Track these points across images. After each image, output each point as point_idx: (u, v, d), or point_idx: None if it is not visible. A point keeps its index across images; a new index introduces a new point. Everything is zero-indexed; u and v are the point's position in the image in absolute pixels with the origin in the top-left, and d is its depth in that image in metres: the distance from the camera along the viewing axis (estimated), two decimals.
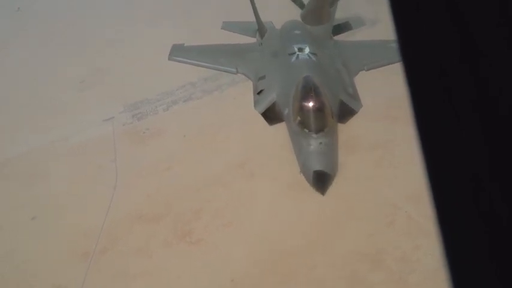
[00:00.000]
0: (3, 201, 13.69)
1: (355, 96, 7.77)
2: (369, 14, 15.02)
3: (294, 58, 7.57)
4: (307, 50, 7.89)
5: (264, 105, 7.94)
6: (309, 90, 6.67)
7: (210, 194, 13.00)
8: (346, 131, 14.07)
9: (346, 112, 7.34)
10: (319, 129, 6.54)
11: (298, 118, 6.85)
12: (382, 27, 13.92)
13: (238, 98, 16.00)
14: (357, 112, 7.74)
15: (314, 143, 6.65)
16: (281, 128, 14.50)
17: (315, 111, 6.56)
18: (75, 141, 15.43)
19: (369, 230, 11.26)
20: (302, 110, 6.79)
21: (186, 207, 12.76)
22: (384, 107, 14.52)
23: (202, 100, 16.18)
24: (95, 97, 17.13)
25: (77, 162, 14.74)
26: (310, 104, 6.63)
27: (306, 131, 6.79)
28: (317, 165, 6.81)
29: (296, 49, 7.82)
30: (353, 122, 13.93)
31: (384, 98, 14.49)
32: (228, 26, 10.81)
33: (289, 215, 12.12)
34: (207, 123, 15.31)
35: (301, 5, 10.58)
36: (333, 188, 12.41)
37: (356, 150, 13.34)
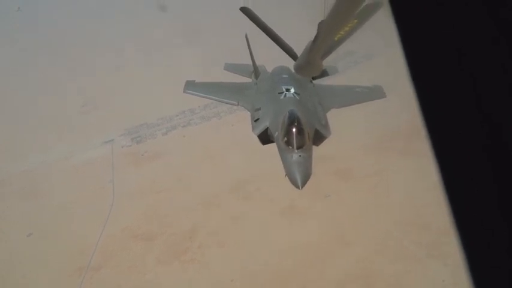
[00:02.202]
0: (1, 217, 13.84)
1: (326, 126, 9.53)
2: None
3: (282, 96, 9.87)
4: (292, 90, 9.83)
5: (259, 129, 9.48)
6: (293, 120, 8.59)
7: (204, 215, 13.24)
8: (340, 160, 14.50)
9: (319, 137, 9.14)
10: (299, 146, 8.35)
11: (285, 139, 8.53)
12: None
13: (236, 125, 16.48)
14: (326, 138, 9.24)
15: (295, 155, 8.34)
16: (275, 155, 14.86)
17: (297, 134, 8.48)
18: (75, 161, 15.71)
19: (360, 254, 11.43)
20: (288, 133, 8.56)
21: (181, 227, 12.95)
22: (377, 140, 15.07)
23: (201, 125, 16.60)
24: (95, 120, 17.51)
25: (75, 181, 14.97)
26: (294, 130, 8.45)
27: (290, 147, 8.45)
28: (296, 170, 8.25)
29: (284, 89, 9.99)
30: (347, 152, 14.40)
31: (377, 132, 15.10)
32: (229, 67, 12.84)
33: (282, 237, 12.33)
34: (205, 148, 15.67)
35: (294, 56, 11.68)
36: (325, 213, 12.74)
37: (350, 178, 13.76)
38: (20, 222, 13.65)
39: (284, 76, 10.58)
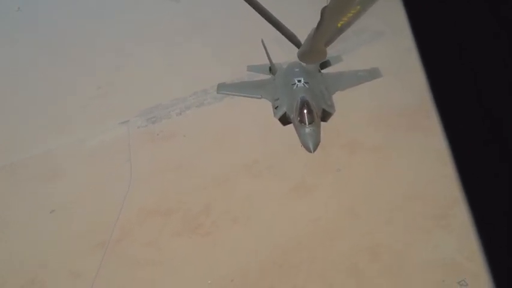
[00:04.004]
0: (24, 196, 14.49)
1: (332, 106, 11.99)
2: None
3: (295, 86, 12.38)
4: (302, 81, 12.24)
5: (279, 114, 12.10)
6: (303, 103, 11.03)
7: (218, 192, 13.72)
8: (350, 136, 14.89)
9: (326, 114, 11.90)
10: (310, 123, 10.78)
11: (298, 118, 10.94)
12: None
13: (248, 105, 16.83)
14: (332, 114, 11.89)
15: (307, 129, 10.83)
16: (287, 135, 15.28)
17: (307, 114, 10.85)
18: (92, 142, 16.26)
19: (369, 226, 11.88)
20: (300, 113, 11.00)
21: (196, 203, 13.46)
22: (386, 117, 15.42)
23: (214, 106, 17.02)
24: (111, 102, 18.00)
25: (93, 161, 15.52)
26: (304, 111, 10.88)
27: (303, 124, 10.87)
28: (309, 140, 10.89)
29: (296, 81, 12.44)
30: (356, 128, 14.77)
31: (386, 109, 15.45)
32: (251, 68, 15.10)
33: (293, 211, 12.83)
34: (217, 126, 16.12)
35: (297, 43, 13.07)
36: (335, 187, 13.17)
37: (358, 153, 14.18)
38: (42, 200, 14.28)
39: (296, 70, 12.75)
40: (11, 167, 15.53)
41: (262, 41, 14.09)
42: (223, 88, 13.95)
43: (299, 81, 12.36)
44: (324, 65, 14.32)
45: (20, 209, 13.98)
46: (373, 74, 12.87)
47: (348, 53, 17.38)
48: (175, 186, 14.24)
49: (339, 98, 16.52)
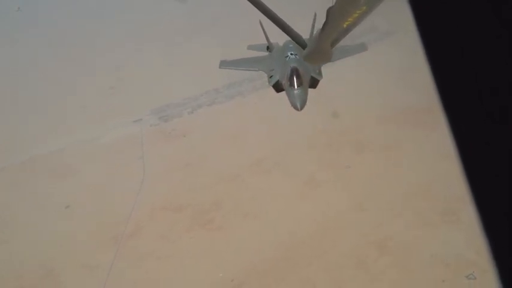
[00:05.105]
0: (40, 191, 14.86)
1: (319, 74, 13.00)
2: None
3: (287, 58, 13.23)
4: (293, 53, 13.10)
5: (273, 82, 13.21)
6: (292, 70, 12.08)
7: (228, 188, 14.00)
8: (358, 132, 15.08)
9: (314, 81, 12.86)
10: (298, 86, 11.94)
11: (288, 82, 12.05)
12: None
13: (259, 103, 17.14)
14: (319, 80, 12.95)
15: (295, 91, 11.91)
16: (297, 131, 15.59)
17: (296, 78, 11.96)
18: (106, 139, 16.61)
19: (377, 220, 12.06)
20: (290, 78, 12.14)
21: (206, 199, 13.76)
22: (393, 114, 15.61)
23: (225, 104, 17.30)
24: (124, 100, 18.34)
25: (107, 159, 15.86)
26: (294, 76, 11.95)
27: (292, 87, 12.04)
28: (296, 100, 11.87)
29: (289, 53, 13.44)
30: (365, 125, 14.95)
31: (394, 106, 15.65)
32: (251, 47, 16.09)
33: (302, 206, 13.11)
34: (228, 125, 16.40)
35: (303, 44, 14.30)
36: (344, 183, 13.36)
37: (367, 149, 14.37)
38: (57, 196, 14.61)
39: (290, 46, 13.90)
40: (26, 164, 15.90)
41: (260, 22, 14.79)
42: (225, 64, 15.29)
43: (291, 54, 13.62)
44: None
45: (36, 205, 14.35)
46: (359, 48, 13.57)
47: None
48: (187, 183, 14.54)
49: (348, 98, 16.89)
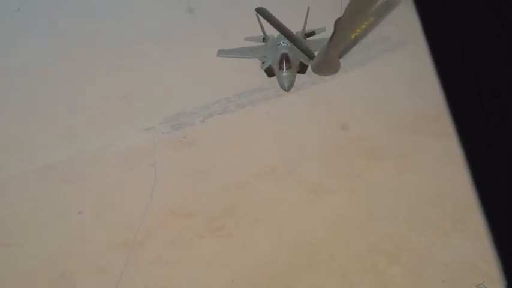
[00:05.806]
0: (52, 197, 15.06)
1: (308, 61, 15.51)
2: None
3: (279, 46, 16.04)
4: (286, 41, 15.87)
5: (265, 66, 16.30)
6: (282, 55, 14.94)
7: (238, 196, 14.10)
8: (370, 141, 15.16)
9: (303, 66, 15.74)
10: (287, 69, 14.90)
11: (279, 66, 15.03)
12: None
13: (270, 112, 17.29)
14: (308, 66, 15.70)
15: (284, 73, 14.97)
16: (307, 139, 15.72)
17: (285, 62, 14.87)
18: (118, 147, 16.81)
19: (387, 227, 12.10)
20: (280, 63, 15.08)
21: (217, 206, 13.89)
22: (404, 123, 15.71)
23: (236, 113, 17.47)
24: (136, 109, 18.56)
25: (119, 166, 16.06)
26: (284, 60, 14.89)
27: (281, 70, 15.06)
28: (284, 81, 15.27)
29: (281, 42, 16.19)
30: (376, 133, 15.03)
31: (405, 115, 15.77)
32: (248, 38, 18.90)
33: (312, 213, 13.18)
34: (239, 133, 16.56)
35: (312, 56, 15.84)
36: (354, 190, 13.42)
37: (378, 157, 14.45)
38: (70, 202, 14.82)
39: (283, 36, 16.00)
40: (40, 172, 16.13)
41: (257, 14, 17.25)
42: (223, 53, 18.56)
43: (283, 42, 16.04)
44: (308, 35, 17.87)
45: (50, 210, 14.55)
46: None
47: (364, 63, 17.71)
48: (197, 189, 14.68)
49: (358, 107, 16.98)
